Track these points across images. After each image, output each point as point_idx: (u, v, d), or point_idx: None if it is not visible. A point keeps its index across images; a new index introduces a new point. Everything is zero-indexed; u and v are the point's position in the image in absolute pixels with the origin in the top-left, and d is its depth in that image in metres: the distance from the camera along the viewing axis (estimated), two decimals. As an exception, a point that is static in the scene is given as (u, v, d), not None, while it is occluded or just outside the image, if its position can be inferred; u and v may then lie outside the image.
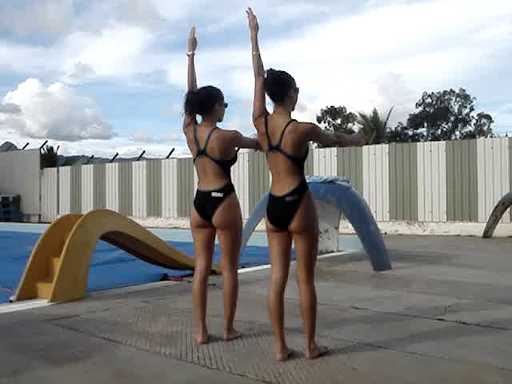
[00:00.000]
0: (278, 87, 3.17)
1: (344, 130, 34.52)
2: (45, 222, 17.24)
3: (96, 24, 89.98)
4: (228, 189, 3.48)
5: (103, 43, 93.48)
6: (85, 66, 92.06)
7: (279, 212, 3.11)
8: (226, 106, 3.63)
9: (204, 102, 3.52)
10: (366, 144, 3.43)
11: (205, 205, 3.49)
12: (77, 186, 19.42)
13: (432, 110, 35.72)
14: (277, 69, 3.23)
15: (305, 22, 73.90)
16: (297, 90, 3.23)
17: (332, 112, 36.09)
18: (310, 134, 3.13)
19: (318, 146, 21.41)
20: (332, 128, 35.54)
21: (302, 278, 3.14)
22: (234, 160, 3.57)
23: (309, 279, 3.14)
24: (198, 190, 3.58)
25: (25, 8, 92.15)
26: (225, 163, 3.49)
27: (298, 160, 3.12)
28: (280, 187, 3.13)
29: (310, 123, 3.17)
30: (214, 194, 3.45)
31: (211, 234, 3.58)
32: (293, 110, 3.25)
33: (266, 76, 3.20)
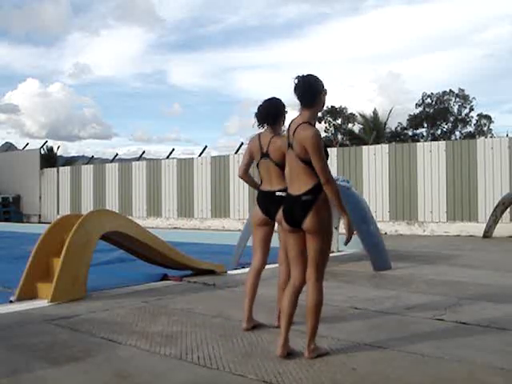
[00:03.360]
0: (309, 93, 3.17)
1: (344, 131, 34.43)
2: (45, 223, 17.23)
3: (95, 24, 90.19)
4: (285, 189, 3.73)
5: (102, 43, 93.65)
6: (84, 66, 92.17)
7: (294, 211, 3.13)
8: (286, 112, 3.92)
9: (277, 115, 3.85)
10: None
11: (266, 203, 3.83)
12: (77, 186, 19.41)
13: (432, 111, 35.68)
14: (304, 73, 3.20)
15: (305, 22, 74.06)
16: (325, 92, 3.23)
17: (333, 112, 36.00)
18: (304, 141, 3.05)
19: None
20: (332, 128, 35.42)
21: (311, 277, 3.15)
22: None
23: (318, 279, 3.15)
24: (259, 190, 3.93)
25: (23, 8, 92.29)
26: (283, 167, 3.66)
27: (307, 162, 3.08)
28: (296, 186, 3.15)
29: (313, 131, 3.06)
30: (278, 194, 3.77)
31: (270, 232, 3.92)
32: (320, 111, 3.30)
33: (296, 82, 3.18)
